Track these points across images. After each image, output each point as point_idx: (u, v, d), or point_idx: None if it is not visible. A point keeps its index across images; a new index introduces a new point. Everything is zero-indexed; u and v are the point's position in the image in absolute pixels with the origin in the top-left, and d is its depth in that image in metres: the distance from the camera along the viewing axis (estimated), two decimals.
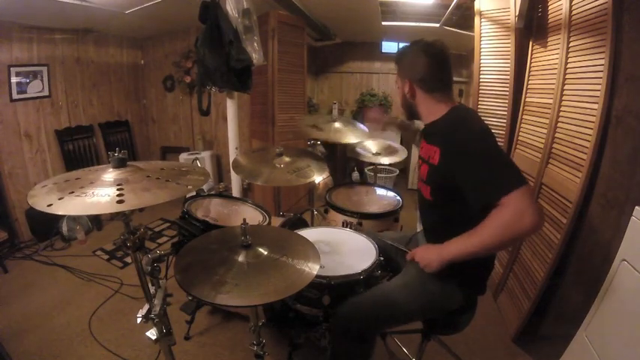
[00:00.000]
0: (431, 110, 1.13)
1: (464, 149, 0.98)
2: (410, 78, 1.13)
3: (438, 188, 1.10)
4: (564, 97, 1.69)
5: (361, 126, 2.25)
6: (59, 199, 0.81)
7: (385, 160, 2.30)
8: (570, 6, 1.65)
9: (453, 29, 3.57)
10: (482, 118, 2.63)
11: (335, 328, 1.18)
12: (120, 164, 0.96)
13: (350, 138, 2.13)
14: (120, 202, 0.81)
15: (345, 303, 1.14)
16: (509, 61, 2.26)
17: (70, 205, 0.80)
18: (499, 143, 2.38)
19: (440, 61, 1.10)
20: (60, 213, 0.77)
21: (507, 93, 2.30)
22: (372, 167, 2.59)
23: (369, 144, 2.42)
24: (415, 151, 3.98)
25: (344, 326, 1.14)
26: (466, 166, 0.97)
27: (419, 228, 1.28)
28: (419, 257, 1.09)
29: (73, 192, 0.84)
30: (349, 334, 1.12)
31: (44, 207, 0.78)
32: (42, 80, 2.95)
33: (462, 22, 3.45)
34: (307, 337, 1.53)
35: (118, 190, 0.86)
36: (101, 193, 0.84)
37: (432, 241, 1.17)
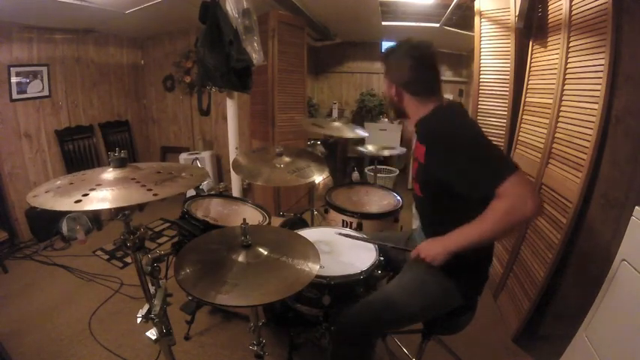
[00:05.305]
0: (418, 110, 1.13)
1: (449, 146, 0.99)
2: (396, 82, 1.14)
3: (426, 185, 1.12)
4: (564, 97, 1.69)
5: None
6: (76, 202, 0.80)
7: (386, 153, 2.52)
8: (570, 6, 1.65)
9: (453, 29, 3.57)
10: (483, 118, 2.62)
11: (335, 332, 1.18)
12: (120, 164, 0.96)
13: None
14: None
15: (345, 307, 1.14)
16: (509, 61, 2.27)
17: (94, 201, 0.80)
18: (499, 144, 2.41)
19: (425, 63, 1.10)
20: (89, 208, 0.78)
21: (507, 93, 2.30)
22: (372, 167, 2.66)
23: (370, 147, 2.61)
24: None
25: (344, 330, 1.14)
26: (454, 163, 0.97)
27: (414, 225, 1.29)
28: (424, 253, 1.07)
29: (87, 194, 0.83)
30: (349, 337, 1.12)
31: (71, 204, 0.78)
32: (42, 80, 2.95)
33: (462, 22, 3.45)
34: (307, 337, 1.54)
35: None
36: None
37: (431, 236, 1.17)
